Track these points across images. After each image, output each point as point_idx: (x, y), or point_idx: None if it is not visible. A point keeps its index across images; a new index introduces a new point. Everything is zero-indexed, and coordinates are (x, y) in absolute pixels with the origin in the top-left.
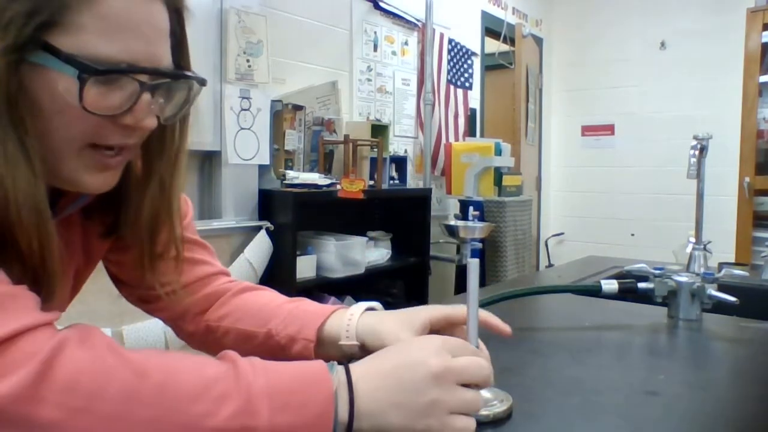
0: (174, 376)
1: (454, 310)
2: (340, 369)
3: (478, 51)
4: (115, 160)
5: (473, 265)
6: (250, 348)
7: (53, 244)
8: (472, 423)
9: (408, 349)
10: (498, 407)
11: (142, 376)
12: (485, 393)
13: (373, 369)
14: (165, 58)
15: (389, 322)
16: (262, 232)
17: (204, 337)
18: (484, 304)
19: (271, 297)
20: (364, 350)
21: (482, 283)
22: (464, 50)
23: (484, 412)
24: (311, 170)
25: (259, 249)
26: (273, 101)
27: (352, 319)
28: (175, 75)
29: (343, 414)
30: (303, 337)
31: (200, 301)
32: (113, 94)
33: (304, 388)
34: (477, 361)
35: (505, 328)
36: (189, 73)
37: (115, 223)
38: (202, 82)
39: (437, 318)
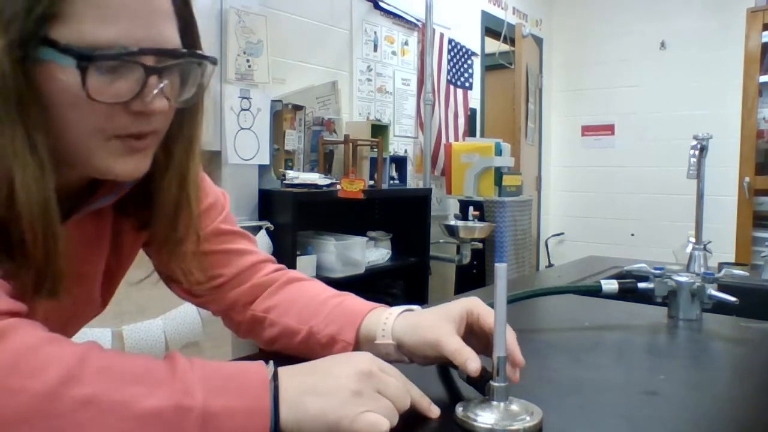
0: (115, 363)
1: (486, 312)
2: (271, 362)
3: (478, 51)
4: (142, 143)
5: (501, 270)
6: (294, 345)
7: (58, 242)
8: (384, 421)
9: (342, 354)
10: (528, 421)
11: (83, 361)
12: (513, 406)
13: (302, 365)
14: (169, 40)
15: (427, 315)
16: (262, 232)
17: (250, 326)
18: None
19: (316, 291)
20: (400, 350)
21: (483, 283)
22: (464, 50)
23: (514, 426)
24: (311, 170)
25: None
26: (273, 101)
27: (389, 318)
28: (179, 54)
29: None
30: (342, 338)
31: (248, 292)
32: (119, 81)
33: (240, 375)
34: (402, 386)
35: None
36: (196, 52)
37: (148, 216)
38: (214, 61)
39: (471, 312)
